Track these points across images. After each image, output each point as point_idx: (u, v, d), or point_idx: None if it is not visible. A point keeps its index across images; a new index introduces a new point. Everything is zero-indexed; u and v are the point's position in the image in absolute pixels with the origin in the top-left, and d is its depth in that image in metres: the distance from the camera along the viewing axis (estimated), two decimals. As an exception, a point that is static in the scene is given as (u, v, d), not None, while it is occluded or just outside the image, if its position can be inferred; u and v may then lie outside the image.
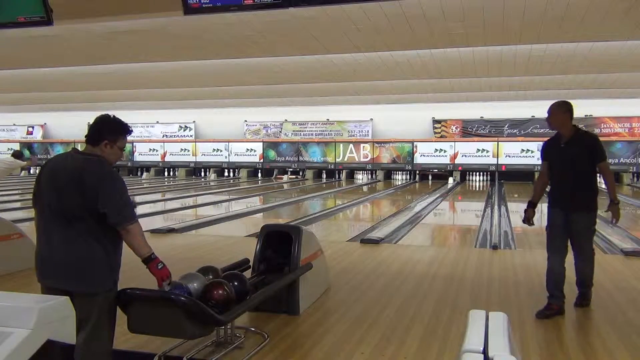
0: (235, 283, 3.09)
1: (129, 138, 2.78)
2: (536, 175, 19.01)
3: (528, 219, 4.20)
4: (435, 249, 7.08)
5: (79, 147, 2.82)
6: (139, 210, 12.29)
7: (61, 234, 2.50)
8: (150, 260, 2.56)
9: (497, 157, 19.52)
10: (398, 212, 10.81)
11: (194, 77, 12.59)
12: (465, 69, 11.14)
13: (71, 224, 2.48)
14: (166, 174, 23.58)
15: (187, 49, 8.84)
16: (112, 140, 2.60)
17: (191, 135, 23.48)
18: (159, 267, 2.59)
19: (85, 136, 2.65)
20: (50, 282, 2.53)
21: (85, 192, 2.45)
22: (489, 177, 19.76)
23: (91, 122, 2.69)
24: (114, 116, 2.67)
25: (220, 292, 2.89)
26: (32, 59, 9.84)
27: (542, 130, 19.49)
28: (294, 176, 21.67)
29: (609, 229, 8.38)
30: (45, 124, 25.45)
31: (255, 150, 22.33)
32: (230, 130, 22.70)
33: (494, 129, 20.09)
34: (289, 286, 3.71)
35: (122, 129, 2.65)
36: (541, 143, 4.52)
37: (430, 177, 20.33)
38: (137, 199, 14.89)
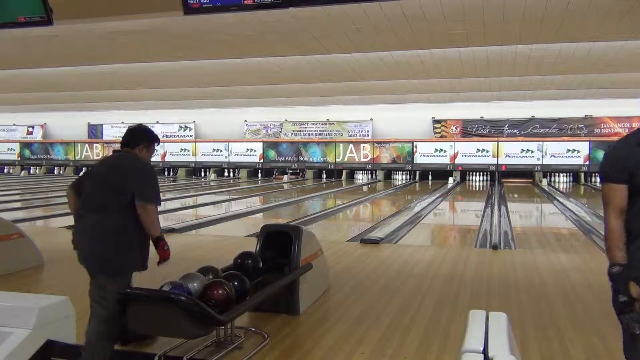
0: (235, 283, 3.09)
1: None
2: (536, 175, 19.07)
3: (633, 300, 1.97)
4: (435, 249, 7.08)
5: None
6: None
7: (91, 221, 2.90)
8: (159, 240, 2.95)
9: (497, 157, 19.52)
10: (398, 212, 10.81)
11: (194, 77, 12.59)
12: (465, 69, 11.15)
13: (100, 212, 2.86)
14: (166, 173, 23.58)
15: (187, 49, 8.85)
16: (148, 145, 3.13)
17: (191, 135, 23.48)
18: (165, 249, 2.96)
19: (123, 140, 3.12)
20: (83, 264, 2.96)
21: (118, 180, 2.90)
22: (489, 177, 19.76)
23: (128, 130, 3.18)
24: (146, 127, 3.23)
25: (220, 292, 2.89)
26: (32, 59, 9.84)
27: (542, 130, 19.52)
28: (293, 176, 21.67)
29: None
30: (45, 124, 25.45)
31: (255, 150, 22.33)
32: (230, 130, 22.70)
33: (494, 129, 20.09)
34: (289, 286, 3.71)
35: (157, 138, 3.21)
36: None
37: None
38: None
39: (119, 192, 2.86)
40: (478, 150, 19.76)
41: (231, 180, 21.24)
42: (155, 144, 3.18)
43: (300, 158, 21.70)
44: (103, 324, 2.75)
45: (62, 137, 24.95)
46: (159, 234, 2.94)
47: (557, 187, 17.92)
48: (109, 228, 2.83)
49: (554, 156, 19.04)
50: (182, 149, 23.23)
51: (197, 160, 23.02)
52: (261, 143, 22.29)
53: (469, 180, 20.07)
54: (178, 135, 23.69)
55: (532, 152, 19.16)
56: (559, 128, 19.40)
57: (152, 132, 3.20)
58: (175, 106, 20.95)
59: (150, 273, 3.02)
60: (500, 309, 2.28)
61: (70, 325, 2.68)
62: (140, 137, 3.11)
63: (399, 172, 20.89)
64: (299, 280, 3.79)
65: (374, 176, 20.94)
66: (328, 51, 8.94)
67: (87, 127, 24.78)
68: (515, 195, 15.75)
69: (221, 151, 22.71)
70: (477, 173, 20.09)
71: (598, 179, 19.06)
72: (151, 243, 2.95)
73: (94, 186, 2.95)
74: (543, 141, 19.13)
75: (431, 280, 4.83)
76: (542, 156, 19.10)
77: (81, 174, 3.20)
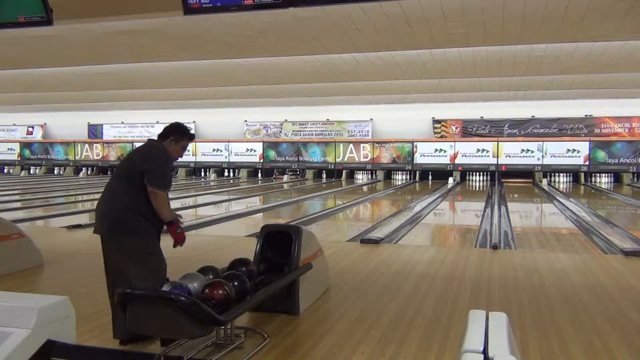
0: (235, 283, 3.09)
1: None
2: (537, 175, 19.07)
3: None
4: (435, 249, 7.08)
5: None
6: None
7: (108, 191, 3.29)
8: (170, 224, 3.22)
9: (497, 157, 19.52)
10: (398, 212, 10.81)
11: (194, 77, 12.60)
12: (465, 69, 11.15)
13: (118, 182, 3.27)
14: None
15: (187, 49, 8.85)
16: (177, 139, 3.39)
17: (191, 135, 23.47)
18: (177, 231, 3.22)
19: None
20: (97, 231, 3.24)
21: (134, 160, 3.26)
22: (489, 177, 19.77)
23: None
24: (181, 124, 3.48)
25: (220, 292, 2.89)
26: (32, 59, 9.85)
27: (542, 130, 19.52)
28: (294, 176, 21.67)
29: (609, 229, 8.39)
30: (45, 124, 25.45)
31: (255, 150, 22.33)
32: (230, 130, 22.71)
33: (494, 129, 20.10)
34: (289, 286, 3.71)
35: (188, 133, 3.47)
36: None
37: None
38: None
39: (132, 171, 3.18)
40: (478, 150, 19.76)
41: (231, 180, 21.24)
42: (187, 139, 3.42)
43: (300, 158, 21.71)
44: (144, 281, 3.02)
45: (62, 137, 24.95)
46: (169, 218, 3.21)
47: (557, 187, 17.92)
48: (122, 196, 3.19)
49: (554, 156, 19.04)
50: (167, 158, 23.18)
51: (197, 160, 23.02)
52: (261, 143, 22.29)
53: (469, 180, 20.08)
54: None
55: (532, 152, 19.16)
56: (559, 128, 19.40)
57: (184, 127, 3.46)
58: (175, 106, 20.95)
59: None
60: (500, 309, 2.28)
61: (70, 325, 2.68)
62: (171, 130, 3.40)
63: (399, 172, 20.89)
64: (299, 280, 3.79)
65: (374, 176, 20.94)
66: (328, 51, 8.94)
67: (87, 127, 24.79)
68: (515, 195, 15.75)
69: (221, 151, 22.72)
70: (477, 173, 20.10)
71: (598, 179, 19.14)
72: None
73: (120, 164, 3.46)
74: (543, 141, 19.14)
75: (431, 280, 4.83)
76: (542, 156, 19.10)
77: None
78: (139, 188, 3.15)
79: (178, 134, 3.39)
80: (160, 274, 3.16)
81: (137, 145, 21.52)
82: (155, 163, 3.22)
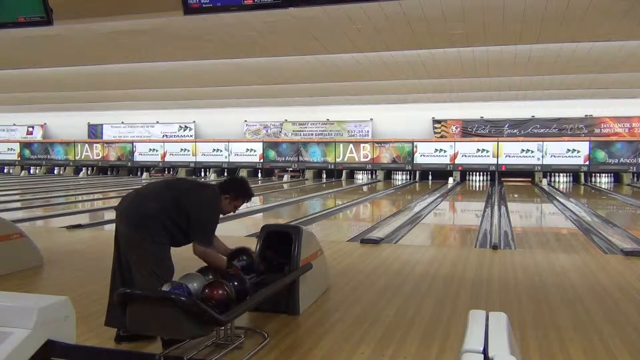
0: (235, 283, 3.09)
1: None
2: (536, 175, 19.07)
3: None
4: (435, 249, 7.08)
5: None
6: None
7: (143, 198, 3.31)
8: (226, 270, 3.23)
9: (497, 157, 19.52)
10: (398, 212, 10.81)
11: (194, 77, 12.60)
12: (465, 69, 11.15)
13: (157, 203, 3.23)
14: (166, 173, 23.58)
15: (187, 49, 8.85)
16: (236, 197, 3.35)
17: (191, 135, 23.49)
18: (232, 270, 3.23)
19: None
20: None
21: (186, 201, 3.20)
22: (489, 177, 19.77)
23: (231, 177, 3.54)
24: (247, 182, 3.48)
25: (220, 292, 2.89)
26: (32, 59, 9.85)
27: (542, 130, 19.52)
28: (295, 174, 21.64)
29: (609, 229, 8.39)
30: (45, 124, 25.45)
31: (255, 150, 22.33)
32: (230, 130, 22.71)
33: (494, 129, 20.10)
34: (289, 286, 3.71)
35: (249, 194, 3.42)
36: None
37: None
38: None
39: (177, 206, 3.14)
40: (478, 150, 19.76)
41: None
42: (242, 201, 3.37)
43: (300, 158, 21.70)
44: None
45: (62, 137, 24.94)
46: (223, 267, 3.22)
47: (557, 187, 17.92)
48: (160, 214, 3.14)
49: (554, 156, 19.04)
50: (182, 149, 23.23)
51: (197, 160, 23.02)
52: (261, 143, 22.29)
53: (469, 180, 20.08)
54: (178, 135, 23.70)
55: (532, 152, 19.16)
56: (559, 128, 19.40)
57: (247, 187, 3.40)
58: (175, 106, 20.95)
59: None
60: (500, 309, 2.28)
61: (70, 325, 2.68)
62: (234, 187, 3.36)
63: (399, 172, 20.89)
64: (299, 280, 3.79)
65: (374, 176, 20.93)
66: (328, 51, 8.94)
67: (87, 127, 24.78)
68: (515, 195, 15.75)
69: (221, 151, 22.72)
70: (477, 173, 20.10)
71: (598, 179, 19.15)
72: None
73: (160, 187, 3.36)
74: (543, 141, 19.14)
75: (431, 280, 4.83)
76: (542, 156, 19.10)
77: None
78: (178, 227, 3.12)
79: (240, 193, 3.35)
80: (168, 279, 3.14)
81: (137, 145, 21.44)
82: (209, 217, 3.17)
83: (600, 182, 19.02)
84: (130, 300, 2.67)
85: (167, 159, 23.37)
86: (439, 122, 20.59)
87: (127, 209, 3.22)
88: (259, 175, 22.49)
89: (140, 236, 3.11)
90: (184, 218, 3.13)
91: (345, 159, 21.24)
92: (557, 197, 13.96)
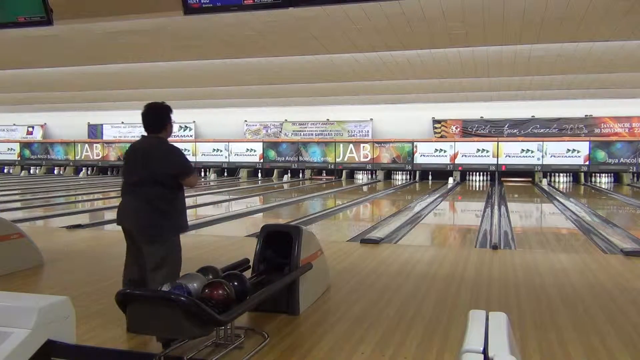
0: (235, 283, 3.09)
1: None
2: (536, 175, 19.08)
3: None
4: (435, 249, 7.08)
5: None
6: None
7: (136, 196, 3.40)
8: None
9: (497, 157, 19.52)
10: (398, 212, 10.81)
11: (194, 77, 12.59)
12: (465, 69, 11.15)
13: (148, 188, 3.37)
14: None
15: (187, 49, 8.84)
16: (170, 120, 3.66)
17: (191, 135, 23.49)
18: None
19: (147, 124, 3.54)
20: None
21: (157, 166, 3.38)
22: (489, 177, 19.77)
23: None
24: (152, 107, 3.67)
25: (220, 292, 2.89)
26: (32, 59, 9.84)
27: (542, 130, 19.52)
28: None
29: (609, 229, 8.40)
30: (45, 124, 25.45)
31: (255, 150, 22.33)
32: (230, 130, 22.71)
33: (494, 129, 20.10)
34: (289, 286, 3.71)
35: (168, 110, 3.72)
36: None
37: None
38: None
39: (160, 177, 3.40)
40: (478, 150, 19.77)
41: (231, 180, 21.24)
42: (170, 117, 3.73)
43: (300, 158, 21.71)
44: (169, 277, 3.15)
45: (62, 137, 24.94)
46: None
47: (557, 187, 17.92)
48: (157, 201, 3.36)
49: (554, 156, 19.04)
50: (182, 149, 23.16)
51: (197, 160, 23.01)
52: (261, 143, 22.29)
53: (469, 180, 20.08)
54: (178, 135, 23.67)
55: (532, 152, 19.16)
56: (559, 128, 19.40)
57: (166, 106, 3.72)
58: (175, 106, 20.73)
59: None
60: (500, 309, 2.29)
61: (70, 325, 2.68)
62: (165, 117, 3.74)
63: (399, 172, 20.89)
64: (299, 280, 3.79)
65: (374, 176, 20.93)
66: (328, 51, 8.93)
67: (87, 127, 24.78)
68: (515, 195, 15.75)
69: (221, 151, 22.72)
70: (477, 173, 20.10)
71: (598, 179, 19.15)
72: None
73: (134, 169, 3.53)
74: (543, 141, 19.14)
75: (431, 280, 4.83)
76: (542, 156, 19.10)
77: None
78: (170, 189, 3.36)
79: (169, 116, 3.61)
80: (176, 272, 3.34)
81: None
82: (180, 161, 3.47)
83: (600, 182, 19.02)
84: (130, 300, 2.67)
85: (167, 159, 23.32)
86: (439, 122, 20.60)
87: (129, 225, 3.39)
88: (259, 175, 22.49)
89: (150, 233, 3.32)
90: (167, 176, 3.36)
91: (345, 159, 21.25)
92: (557, 197, 13.96)
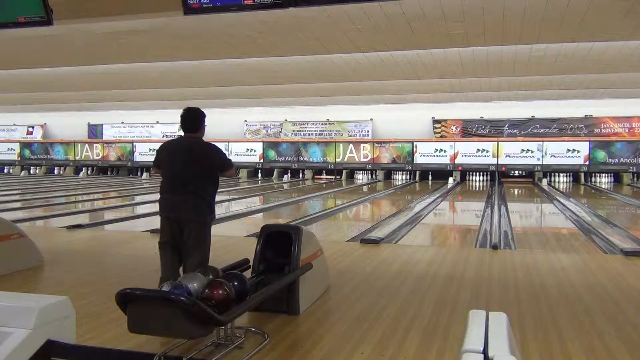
0: (235, 283, 3.09)
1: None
2: (536, 175, 19.08)
3: None
4: (435, 249, 7.08)
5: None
6: (140, 210, 12.29)
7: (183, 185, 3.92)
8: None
9: (497, 157, 19.52)
10: (398, 212, 10.81)
11: (194, 77, 12.59)
12: (465, 69, 11.14)
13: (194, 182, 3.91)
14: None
15: (187, 49, 8.84)
16: (203, 125, 4.22)
17: (191, 135, 23.46)
18: None
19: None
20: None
21: (203, 162, 3.94)
22: (489, 177, 19.77)
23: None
24: (190, 111, 4.23)
25: (220, 292, 2.89)
26: (32, 59, 9.84)
27: (542, 130, 19.52)
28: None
29: (609, 229, 8.40)
30: (45, 124, 25.45)
31: (255, 150, 22.33)
32: (230, 130, 22.70)
33: (494, 129, 20.10)
34: (289, 286, 3.71)
35: (202, 114, 4.27)
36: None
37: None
38: (138, 198, 14.90)
39: (206, 172, 3.98)
40: (478, 150, 19.76)
41: (232, 180, 21.23)
42: (204, 118, 4.33)
43: (300, 158, 21.70)
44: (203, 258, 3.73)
45: (62, 137, 24.94)
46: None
47: (557, 187, 17.92)
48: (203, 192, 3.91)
49: (554, 156, 19.04)
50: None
51: (197, 160, 22.99)
52: (261, 143, 22.29)
53: (469, 180, 20.08)
54: (178, 135, 23.69)
55: (532, 152, 19.16)
56: (559, 128, 19.40)
57: (200, 110, 4.29)
58: (175, 106, 20.91)
59: (144, 277, 3.00)
60: (500, 309, 2.28)
61: (70, 325, 2.68)
62: (200, 119, 4.31)
63: (399, 172, 20.89)
64: (299, 280, 3.79)
65: (374, 176, 20.93)
66: (328, 51, 8.93)
67: (87, 127, 24.78)
68: (515, 195, 15.75)
69: (221, 151, 22.69)
70: (477, 173, 20.10)
71: (598, 179, 19.15)
72: None
73: (176, 165, 4.07)
74: (543, 141, 19.14)
75: (431, 280, 4.83)
76: (542, 156, 19.10)
77: None
78: (212, 182, 3.94)
79: (204, 119, 4.13)
80: (208, 256, 3.87)
81: (137, 145, 21.53)
82: (223, 157, 3.99)
83: (600, 182, 19.02)
84: (131, 300, 2.67)
85: (167, 159, 23.31)
86: (439, 122, 20.59)
87: (180, 213, 3.83)
88: (259, 175, 22.49)
89: (200, 220, 3.85)
90: (213, 171, 3.96)
91: (345, 159, 21.24)
92: (557, 197, 13.96)
